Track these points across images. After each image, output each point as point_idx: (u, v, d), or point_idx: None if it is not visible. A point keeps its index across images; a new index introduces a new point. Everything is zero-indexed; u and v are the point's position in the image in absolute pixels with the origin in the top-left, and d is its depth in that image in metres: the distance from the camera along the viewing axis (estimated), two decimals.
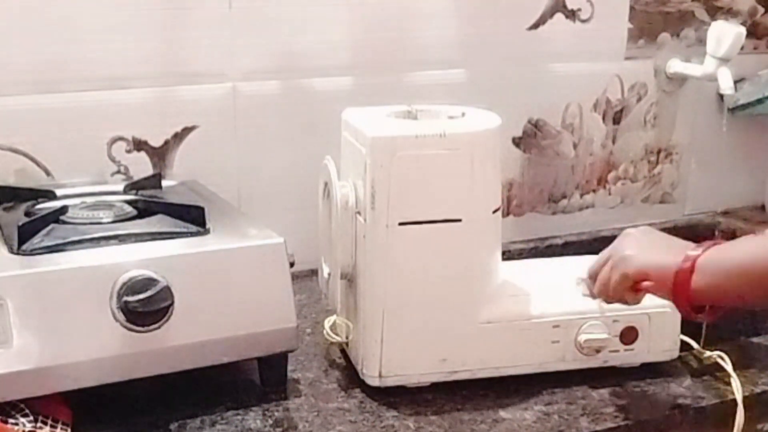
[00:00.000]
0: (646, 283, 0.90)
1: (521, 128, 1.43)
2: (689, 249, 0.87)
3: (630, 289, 0.92)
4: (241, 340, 0.93)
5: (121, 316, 0.87)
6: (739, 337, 1.19)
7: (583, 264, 1.15)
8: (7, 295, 0.84)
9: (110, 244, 0.92)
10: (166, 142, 1.22)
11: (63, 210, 1.00)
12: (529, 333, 0.99)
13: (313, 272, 1.16)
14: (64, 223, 0.97)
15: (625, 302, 0.94)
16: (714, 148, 1.58)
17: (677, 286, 0.86)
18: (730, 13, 1.54)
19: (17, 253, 0.89)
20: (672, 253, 0.88)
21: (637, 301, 0.94)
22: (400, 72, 1.33)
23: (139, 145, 1.21)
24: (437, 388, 0.98)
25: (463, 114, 1.02)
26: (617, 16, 1.46)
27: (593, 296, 0.98)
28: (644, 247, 0.92)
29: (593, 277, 0.96)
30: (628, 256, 0.91)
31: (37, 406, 0.87)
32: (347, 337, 1.03)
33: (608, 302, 0.96)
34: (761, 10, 1.57)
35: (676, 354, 1.05)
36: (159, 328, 0.88)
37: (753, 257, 0.82)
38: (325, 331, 1.06)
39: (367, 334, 0.97)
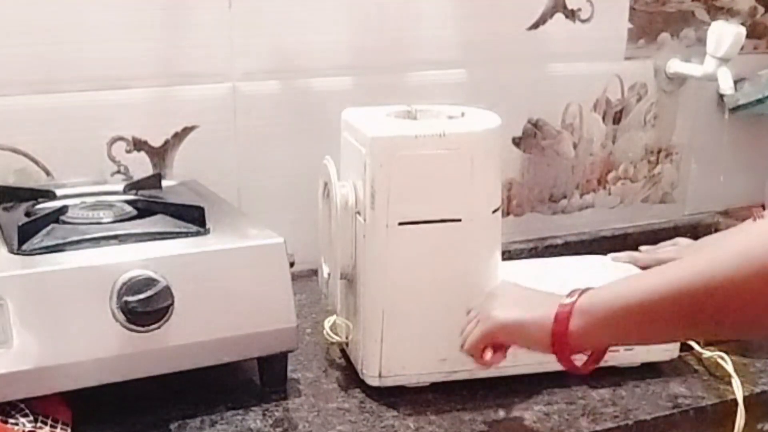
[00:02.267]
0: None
1: (521, 128, 1.43)
2: (561, 299, 0.82)
3: (492, 346, 0.89)
4: (241, 340, 0.93)
5: (121, 316, 0.87)
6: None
7: (582, 264, 1.16)
8: (7, 295, 0.84)
9: (110, 244, 0.92)
10: (166, 142, 1.22)
11: (63, 210, 1.00)
12: None
13: (313, 272, 1.16)
14: (64, 223, 0.97)
15: (490, 362, 0.89)
16: (714, 148, 1.58)
17: (556, 335, 0.81)
18: (730, 13, 1.54)
19: (17, 253, 0.89)
20: (545, 305, 0.83)
21: (498, 360, 0.89)
22: (400, 72, 1.33)
23: (139, 145, 1.21)
24: (437, 388, 0.98)
25: (463, 114, 1.02)
26: (617, 16, 1.46)
27: None
28: (514, 304, 0.88)
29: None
30: (496, 317, 0.87)
31: (37, 406, 0.87)
32: (347, 337, 1.03)
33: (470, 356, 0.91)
34: (761, 10, 1.57)
35: (676, 354, 1.05)
36: (159, 328, 0.88)
37: (631, 291, 0.78)
38: (325, 331, 1.06)
39: (367, 334, 0.97)
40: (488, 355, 0.89)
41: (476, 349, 0.89)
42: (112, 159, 1.20)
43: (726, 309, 0.72)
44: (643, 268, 1.07)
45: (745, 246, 0.70)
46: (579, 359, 0.85)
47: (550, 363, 1.00)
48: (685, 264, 0.75)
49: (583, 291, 0.82)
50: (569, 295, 0.82)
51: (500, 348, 0.89)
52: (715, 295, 0.71)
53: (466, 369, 0.98)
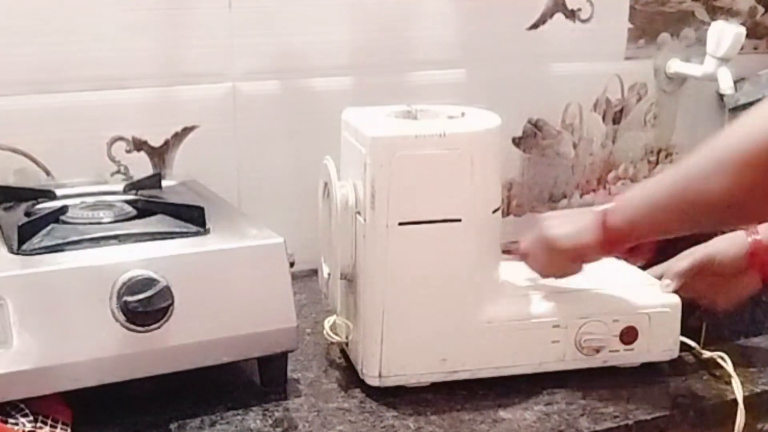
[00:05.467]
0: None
1: (521, 128, 1.43)
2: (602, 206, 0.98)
3: (569, 262, 1.01)
4: (241, 340, 0.93)
5: (121, 316, 0.87)
6: (739, 337, 1.19)
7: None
8: (7, 295, 0.84)
9: (110, 244, 0.92)
10: (166, 142, 1.22)
11: (63, 210, 1.00)
12: (529, 333, 0.99)
13: (313, 272, 1.16)
14: (64, 223, 0.97)
15: (570, 274, 1.02)
16: None
17: (602, 234, 0.95)
18: (730, 13, 1.54)
19: (17, 253, 0.89)
20: (588, 216, 0.97)
21: (578, 270, 1.02)
22: (400, 72, 1.33)
23: (139, 145, 1.21)
24: (437, 388, 0.98)
25: (463, 114, 1.02)
26: (617, 16, 1.46)
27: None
28: (564, 223, 1.00)
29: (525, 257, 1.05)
30: (556, 235, 1.00)
31: (37, 406, 0.87)
32: (347, 337, 1.03)
33: (557, 278, 1.04)
34: (761, 10, 1.57)
35: (676, 354, 1.05)
36: (159, 328, 0.88)
37: (663, 183, 0.91)
38: (325, 331, 1.06)
39: (367, 334, 0.97)
40: (572, 268, 1.01)
41: (560, 270, 1.02)
42: (112, 159, 1.20)
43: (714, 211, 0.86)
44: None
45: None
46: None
47: (550, 363, 1.01)
48: (675, 174, 0.89)
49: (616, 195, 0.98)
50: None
51: (576, 259, 1.01)
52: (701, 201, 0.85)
53: (466, 369, 0.99)
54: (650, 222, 0.93)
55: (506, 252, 1.05)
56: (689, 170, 0.87)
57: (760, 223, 0.99)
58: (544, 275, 1.03)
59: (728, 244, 1.07)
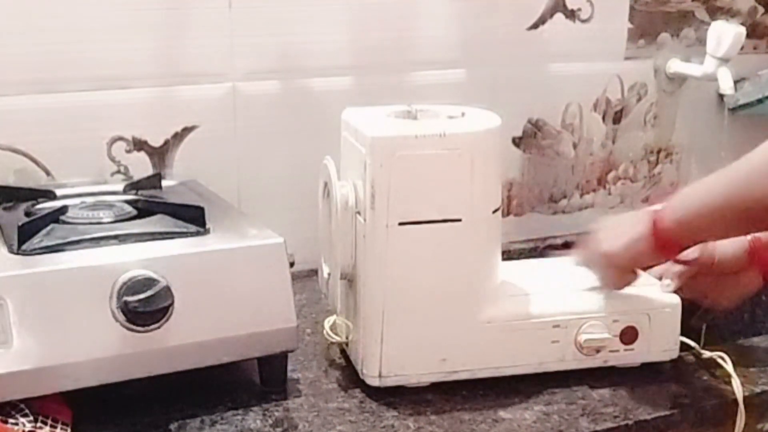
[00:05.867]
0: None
1: (521, 128, 1.43)
2: (653, 208, 0.97)
3: (627, 274, 1.01)
4: (241, 340, 0.93)
5: (121, 316, 0.87)
6: (739, 337, 1.20)
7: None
8: (7, 295, 0.84)
9: (110, 244, 0.92)
10: (166, 142, 1.22)
11: (63, 210, 1.00)
12: (529, 333, 0.99)
13: (313, 272, 1.16)
14: (64, 223, 0.97)
15: (629, 284, 1.03)
16: (714, 148, 1.58)
17: (656, 242, 0.94)
18: (730, 13, 1.54)
19: (17, 253, 0.89)
20: (638, 221, 0.96)
21: (636, 279, 1.03)
22: (400, 72, 1.33)
23: (139, 145, 1.21)
24: (437, 388, 0.98)
25: (463, 114, 1.02)
26: (617, 16, 1.46)
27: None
28: (615, 233, 1.00)
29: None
30: (610, 251, 0.99)
31: (37, 406, 0.87)
32: (347, 337, 1.03)
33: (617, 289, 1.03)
34: (761, 10, 1.57)
35: (676, 354, 1.05)
36: (159, 328, 0.88)
37: (720, 183, 0.90)
38: (325, 331, 1.06)
39: (367, 334, 0.97)
40: (630, 278, 1.02)
41: (619, 282, 1.02)
42: (112, 159, 1.20)
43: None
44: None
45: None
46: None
47: (550, 363, 1.01)
48: (731, 176, 0.88)
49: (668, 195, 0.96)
50: (653, 203, 0.98)
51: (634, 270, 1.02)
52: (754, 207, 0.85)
53: (466, 369, 0.99)
54: (705, 224, 0.92)
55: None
56: (748, 173, 0.87)
57: None
58: (603, 287, 1.03)
59: (728, 242, 1.07)
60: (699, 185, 0.93)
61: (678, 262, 1.02)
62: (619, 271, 1.01)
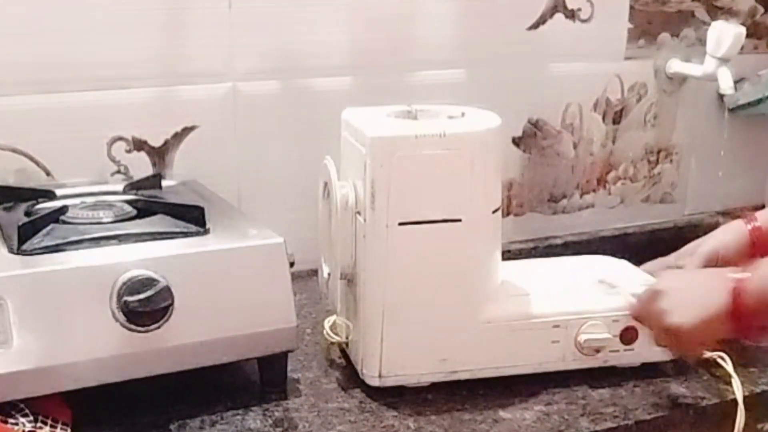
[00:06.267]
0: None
1: (521, 128, 1.43)
2: (729, 275, 0.87)
3: (700, 344, 0.95)
4: (241, 340, 0.93)
5: (121, 316, 0.87)
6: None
7: (582, 264, 1.16)
8: (7, 295, 0.84)
9: (110, 244, 0.92)
10: (166, 142, 1.22)
11: (63, 210, 1.00)
12: (529, 333, 0.99)
13: (313, 272, 1.16)
14: (64, 223, 0.97)
15: (701, 354, 0.99)
16: (714, 148, 1.58)
17: (736, 321, 0.85)
18: (730, 13, 1.54)
19: (17, 253, 0.89)
20: (716, 288, 0.87)
21: (708, 346, 0.97)
22: (400, 72, 1.33)
23: (139, 145, 1.21)
24: (437, 388, 0.98)
25: (463, 114, 1.02)
26: (617, 16, 1.46)
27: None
28: (686, 302, 0.90)
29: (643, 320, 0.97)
30: (680, 324, 0.89)
31: (37, 406, 0.87)
32: (347, 337, 1.03)
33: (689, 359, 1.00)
34: (761, 10, 1.57)
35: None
36: (159, 328, 0.88)
37: None
38: (325, 331, 1.06)
39: (367, 334, 0.97)
40: (700, 350, 0.97)
41: (692, 352, 0.97)
42: (112, 159, 1.20)
43: None
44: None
45: None
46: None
47: (550, 363, 1.01)
48: None
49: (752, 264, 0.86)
50: (735, 272, 0.87)
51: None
52: None
53: (466, 369, 0.99)
54: None
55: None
56: None
57: None
58: (678, 355, 0.99)
59: (729, 237, 1.06)
60: None
61: (755, 342, 0.95)
62: (686, 341, 0.92)
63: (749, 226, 1.05)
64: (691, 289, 0.91)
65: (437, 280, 0.96)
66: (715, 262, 1.05)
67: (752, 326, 0.86)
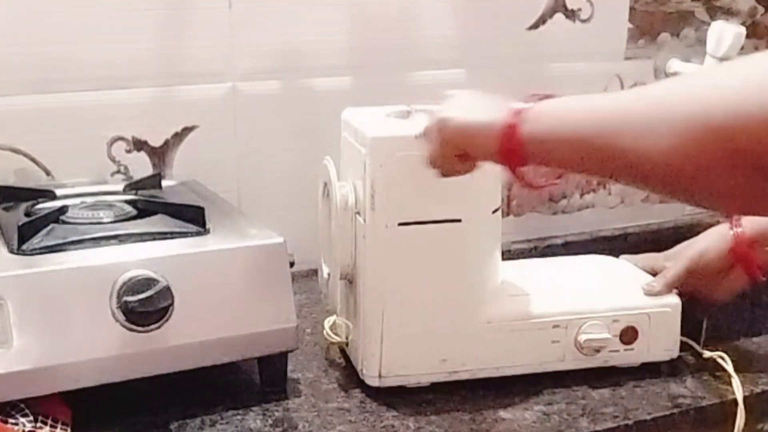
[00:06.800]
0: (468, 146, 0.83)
1: None
2: (519, 104, 0.79)
3: (456, 157, 0.86)
4: (241, 340, 0.93)
5: (121, 316, 0.87)
6: (739, 337, 1.19)
7: (582, 264, 1.16)
8: (7, 295, 0.84)
9: (110, 244, 0.92)
10: (166, 142, 1.22)
11: (63, 210, 1.00)
12: (529, 333, 0.99)
13: (313, 272, 1.16)
14: (64, 223, 0.97)
15: (457, 173, 0.88)
16: None
17: (504, 139, 0.78)
18: (730, 13, 1.54)
19: (17, 253, 0.89)
20: (498, 109, 0.80)
21: (468, 170, 0.87)
22: (400, 72, 1.33)
23: (139, 145, 1.21)
24: (437, 388, 0.98)
25: None
26: (617, 16, 1.46)
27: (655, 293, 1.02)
28: (467, 107, 0.85)
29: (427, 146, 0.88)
30: (448, 118, 0.84)
31: (37, 406, 0.87)
32: (347, 337, 1.03)
33: (442, 175, 0.89)
34: (761, 10, 1.57)
35: (676, 354, 1.05)
36: (159, 328, 0.88)
37: (595, 113, 0.73)
38: (325, 331, 1.06)
39: (367, 334, 0.97)
40: (459, 166, 0.86)
41: (441, 160, 0.86)
42: (112, 159, 1.20)
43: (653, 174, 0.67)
44: (654, 274, 1.08)
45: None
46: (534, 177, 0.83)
47: (550, 363, 1.01)
48: (613, 109, 0.71)
49: (544, 97, 0.79)
50: (527, 100, 0.79)
51: (468, 159, 0.86)
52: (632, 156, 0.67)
53: (466, 369, 0.99)
54: (565, 151, 0.75)
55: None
56: (625, 116, 0.69)
57: (688, 202, 0.74)
58: (430, 164, 0.89)
59: (712, 241, 1.07)
60: (576, 102, 0.77)
61: (518, 179, 0.82)
62: (449, 148, 0.85)
63: (732, 232, 1.05)
64: (476, 100, 0.87)
65: (437, 280, 0.96)
66: (698, 265, 1.06)
67: (516, 158, 0.78)
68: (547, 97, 0.80)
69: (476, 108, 0.84)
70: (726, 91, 0.63)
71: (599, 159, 0.72)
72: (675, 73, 1.50)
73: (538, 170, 0.82)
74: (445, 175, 0.89)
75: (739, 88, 0.62)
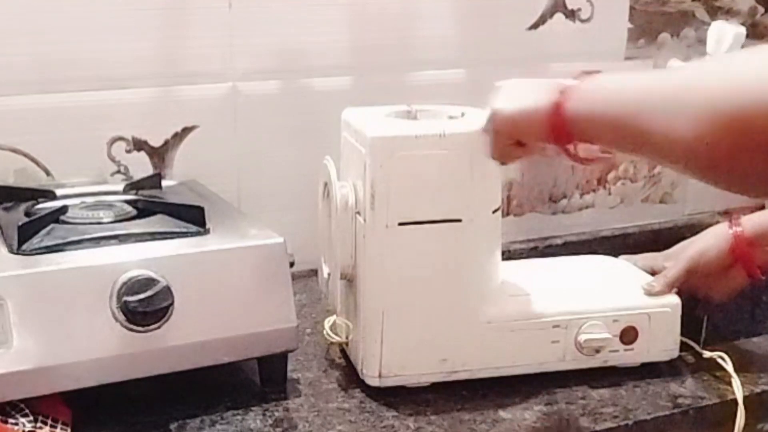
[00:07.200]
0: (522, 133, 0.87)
1: None
2: (565, 81, 0.82)
3: (512, 146, 0.89)
4: (241, 340, 0.93)
5: (121, 316, 0.87)
6: (739, 337, 1.19)
7: (582, 264, 1.16)
8: (7, 295, 0.84)
9: (110, 244, 0.92)
10: (166, 142, 1.22)
11: (63, 210, 1.00)
12: (529, 333, 0.99)
13: (313, 272, 1.16)
14: (64, 223, 0.97)
15: (517, 158, 0.92)
16: None
17: (551, 118, 0.81)
18: (730, 13, 1.54)
19: (17, 253, 0.89)
20: (546, 90, 0.83)
21: (527, 154, 0.90)
22: (400, 72, 1.33)
23: (139, 145, 1.21)
24: (437, 388, 0.98)
25: (463, 114, 1.02)
26: (617, 16, 1.46)
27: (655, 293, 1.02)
28: (516, 96, 0.88)
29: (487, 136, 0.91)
30: (498, 110, 0.87)
31: (37, 406, 0.87)
32: (347, 337, 1.03)
33: (502, 164, 0.94)
34: (761, 10, 1.57)
35: (676, 354, 1.05)
36: (159, 328, 0.88)
37: (629, 93, 0.76)
38: (325, 331, 1.06)
39: (367, 334, 0.97)
40: (514, 152, 0.90)
41: (499, 151, 0.90)
42: (112, 159, 1.20)
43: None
44: (653, 274, 1.08)
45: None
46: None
47: (550, 363, 1.01)
48: (647, 91, 0.74)
49: (591, 74, 0.81)
50: (576, 77, 0.81)
51: (523, 144, 0.89)
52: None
53: (466, 369, 0.99)
54: (605, 129, 0.78)
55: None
56: (653, 97, 0.72)
57: (718, 185, 0.74)
58: (490, 156, 0.92)
59: (712, 240, 1.07)
60: (619, 79, 0.79)
61: (569, 156, 0.87)
62: (501, 136, 0.89)
63: (732, 231, 1.05)
64: (523, 86, 0.89)
65: (437, 280, 0.96)
66: (698, 265, 1.06)
67: (564, 135, 0.82)
68: (595, 72, 0.82)
69: (525, 95, 0.86)
70: (748, 77, 0.65)
71: (633, 140, 0.75)
72: None
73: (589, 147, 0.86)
74: (504, 163, 0.92)
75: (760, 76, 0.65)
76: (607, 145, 0.85)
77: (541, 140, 0.86)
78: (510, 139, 0.89)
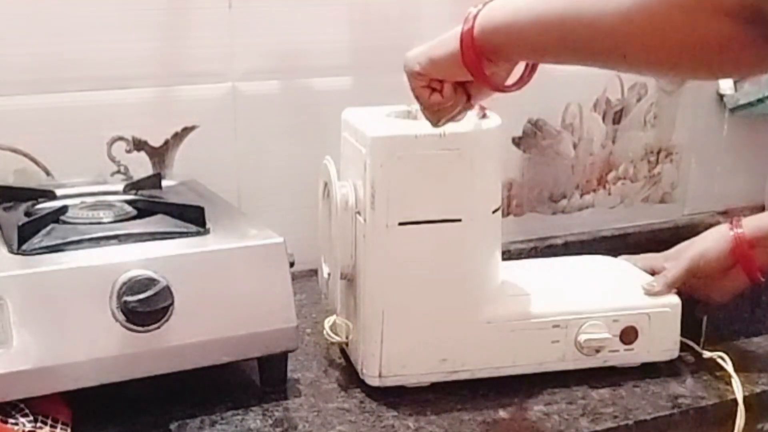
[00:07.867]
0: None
1: (521, 128, 1.43)
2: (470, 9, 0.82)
3: (427, 86, 0.86)
4: (241, 340, 0.93)
5: (121, 316, 0.87)
6: (739, 337, 1.19)
7: (582, 264, 1.16)
8: (7, 295, 0.84)
9: (110, 244, 0.92)
10: (166, 142, 1.22)
11: (63, 210, 1.00)
12: (529, 333, 0.99)
13: (313, 272, 1.16)
14: (64, 223, 0.97)
15: (447, 111, 0.88)
16: (714, 148, 1.58)
17: (462, 43, 0.80)
18: None
19: (17, 253, 0.89)
20: (454, 31, 0.83)
21: (452, 104, 0.87)
22: (400, 72, 1.32)
23: (139, 145, 1.21)
24: (437, 388, 0.98)
25: None
26: None
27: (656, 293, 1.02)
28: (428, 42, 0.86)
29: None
30: (408, 55, 0.86)
31: (37, 406, 0.87)
32: (347, 337, 1.03)
33: (437, 121, 0.90)
34: None
35: (676, 354, 1.05)
36: (159, 328, 0.88)
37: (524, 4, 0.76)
38: (325, 331, 1.06)
39: (367, 334, 0.97)
40: (434, 95, 0.87)
41: (420, 92, 0.87)
42: (112, 159, 1.20)
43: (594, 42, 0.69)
44: (653, 274, 1.08)
45: None
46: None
47: (550, 363, 1.01)
48: None
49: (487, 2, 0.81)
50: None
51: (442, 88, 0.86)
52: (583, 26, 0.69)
53: (466, 369, 0.99)
54: (523, 34, 0.76)
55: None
56: None
57: (648, 72, 0.77)
58: (423, 114, 0.90)
59: (713, 241, 1.07)
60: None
61: (486, 83, 0.84)
62: (420, 78, 0.86)
63: (732, 232, 1.05)
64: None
65: (437, 280, 0.96)
66: (698, 266, 1.06)
67: (481, 56, 0.80)
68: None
69: (443, 37, 0.85)
70: None
71: (557, 37, 0.73)
72: None
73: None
74: (438, 120, 0.88)
75: None
76: (527, 54, 0.82)
77: (457, 71, 0.82)
78: (425, 77, 0.85)
